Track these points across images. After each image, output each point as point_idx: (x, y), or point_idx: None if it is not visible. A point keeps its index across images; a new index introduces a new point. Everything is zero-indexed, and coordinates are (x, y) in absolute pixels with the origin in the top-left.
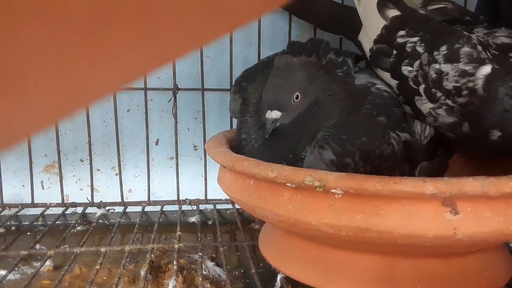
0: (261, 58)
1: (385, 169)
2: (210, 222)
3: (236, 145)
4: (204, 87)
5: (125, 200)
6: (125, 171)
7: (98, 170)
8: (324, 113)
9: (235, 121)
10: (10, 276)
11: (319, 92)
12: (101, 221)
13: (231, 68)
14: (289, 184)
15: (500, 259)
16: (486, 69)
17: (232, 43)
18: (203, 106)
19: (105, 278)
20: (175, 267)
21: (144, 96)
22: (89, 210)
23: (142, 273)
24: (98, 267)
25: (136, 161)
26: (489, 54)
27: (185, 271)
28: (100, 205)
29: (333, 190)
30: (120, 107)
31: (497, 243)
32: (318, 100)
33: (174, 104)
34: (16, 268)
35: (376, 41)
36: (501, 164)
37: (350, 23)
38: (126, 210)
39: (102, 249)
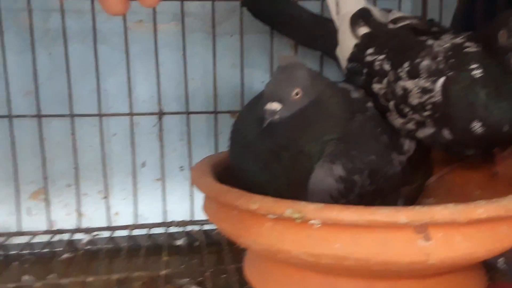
0: (244, 79)
1: (386, 189)
2: (197, 244)
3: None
4: (190, 110)
5: (112, 223)
6: (112, 194)
7: (85, 194)
8: (326, 112)
9: (221, 141)
10: None
11: (320, 92)
12: (88, 247)
13: (215, 89)
14: (270, 216)
15: (474, 278)
16: (442, 80)
17: (216, 65)
18: (189, 128)
19: None
20: None
21: (129, 122)
22: (77, 236)
23: None
24: None
25: (123, 184)
26: (447, 61)
27: None
28: (87, 230)
29: (311, 221)
30: (107, 132)
31: (469, 265)
32: (319, 100)
33: (159, 128)
34: None
35: (349, 60)
36: (479, 183)
37: (329, 39)
38: (113, 235)
39: (89, 279)
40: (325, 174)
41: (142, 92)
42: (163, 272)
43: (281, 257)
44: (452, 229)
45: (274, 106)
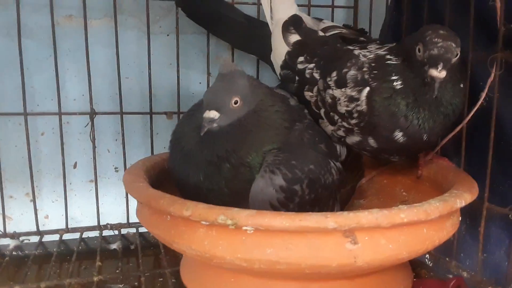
0: (180, 79)
1: (324, 197)
2: (132, 247)
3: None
4: (124, 110)
5: (41, 227)
6: (40, 197)
7: (11, 197)
8: (266, 121)
9: (156, 142)
10: None
11: (259, 101)
12: (15, 253)
13: (150, 90)
14: (203, 222)
15: (401, 275)
16: (366, 90)
17: (151, 64)
18: (123, 129)
19: None
20: None
21: (58, 121)
22: (2, 241)
23: None
24: None
25: (52, 185)
26: (371, 72)
27: None
28: (13, 235)
29: (244, 227)
30: (34, 130)
31: (394, 266)
32: (258, 109)
33: (91, 129)
34: None
35: (282, 67)
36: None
37: (264, 43)
38: (43, 240)
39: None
40: (265, 184)
41: (72, 90)
42: (96, 278)
43: (215, 263)
44: (377, 233)
45: (212, 114)
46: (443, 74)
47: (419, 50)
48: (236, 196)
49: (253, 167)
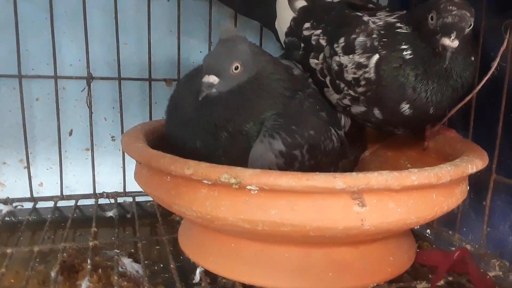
0: (180, 47)
1: (325, 164)
2: (129, 216)
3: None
4: (122, 76)
5: (36, 195)
6: (35, 164)
7: (4, 163)
8: (267, 90)
9: (155, 111)
10: None
11: (261, 68)
12: (8, 219)
13: (149, 56)
14: (205, 181)
15: (405, 245)
16: (376, 57)
17: (151, 31)
18: (120, 95)
19: (12, 281)
20: (89, 266)
21: (54, 86)
22: None
23: (53, 274)
24: (3, 270)
25: (47, 153)
26: (381, 39)
27: (100, 269)
28: (6, 201)
29: (248, 187)
30: (28, 95)
31: (400, 231)
32: (259, 76)
33: (88, 94)
34: None
35: (287, 34)
36: (410, 157)
37: (268, 10)
38: (37, 206)
39: (9, 250)
40: (265, 149)
41: (68, 55)
42: (92, 243)
43: (216, 225)
44: (386, 196)
45: (212, 79)
46: (455, 43)
47: (431, 18)
48: (234, 164)
49: (250, 136)
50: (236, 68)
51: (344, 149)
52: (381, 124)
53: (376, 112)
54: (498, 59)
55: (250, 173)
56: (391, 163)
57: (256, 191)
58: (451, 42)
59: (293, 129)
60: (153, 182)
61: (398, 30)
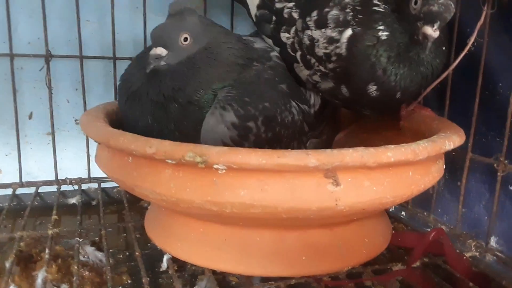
0: (147, 24)
1: (285, 137)
2: (94, 203)
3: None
4: (84, 55)
5: None
6: None
7: None
8: (217, 59)
9: None
10: None
11: (211, 39)
12: None
13: (113, 34)
14: (169, 161)
15: (380, 226)
16: (348, 32)
17: (114, 7)
18: (82, 75)
19: None
20: (47, 256)
21: (10, 64)
22: None
23: (7, 264)
24: None
25: (5, 137)
26: (356, 15)
27: (60, 259)
28: None
29: (215, 166)
30: None
31: (376, 211)
32: (209, 46)
33: (47, 73)
34: None
35: (258, 7)
36: (385, 137)
37: None
38: None
39: None
40: (216, 121)
41: (26, 32)
42: (51, 231)
43: (182, 208)
44: (361, 174)
45: (159, 50)
46: (437, 33)
47: (415, 3)
48: (188, 139)
49: (202, 106)
50: (185, 40)
51: (311, 124)
52: (348, 102)
53: (344, 89)
54: (475, 34)
55: (217, 151)
56: (366, 143)
57: (224, 171)
58: (433, 32)
59: (246, 100)
60: (114, 164)
61: (376, 8)
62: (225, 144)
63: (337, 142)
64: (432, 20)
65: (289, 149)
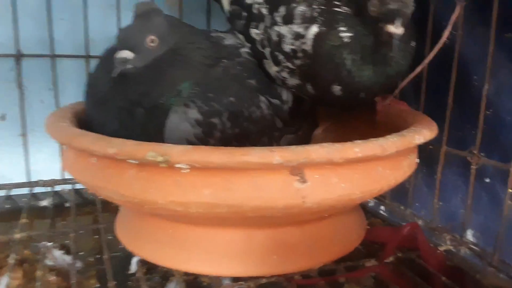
0: (121, 22)
1: (254, 133)
2: (67, 205)
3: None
4: (58, 53)
5: None
6: None
7: None
8: (184, 60)
9: None
10: None
11: (178, 39)
12: None
13: (85, 31)
14: (131, 161)
15: (353, 222)
16: (314, 29)
17: (88, 5)
18: (54, 75)
19: None
20: (12, 261)
21: None
22: None
23: None
24: None
25: None
26: (321, 13)
27: (26, 263)
28: None
29: (178, 165)
30: None
31: (346, 208)
32: (176, 47)
33: (18, 73)
34: None
35: (231, 2)
36: (362, 132)
37: None
38: None
39: None
40: (179, 119)
41: None
42: (19, 235)
43: (147, 209)
44: (328, 170)
45: (125, 54)
46: (401, 30)
47: (373, 5)
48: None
49: (168, 109)
50: (152, 41)
51: (285, 120)
52: (315, 100)
53: (309, 87)
54: (450, 27)
55: (179, 150)
56: (343, 139)
57: (187, 170)
58: (396, 30)
59: (209, 96)
60: (79, 165)
61: (337, 9)
62: (189, 143)
63: (314, 138)
64: (393, 18)
65: (254, 147)
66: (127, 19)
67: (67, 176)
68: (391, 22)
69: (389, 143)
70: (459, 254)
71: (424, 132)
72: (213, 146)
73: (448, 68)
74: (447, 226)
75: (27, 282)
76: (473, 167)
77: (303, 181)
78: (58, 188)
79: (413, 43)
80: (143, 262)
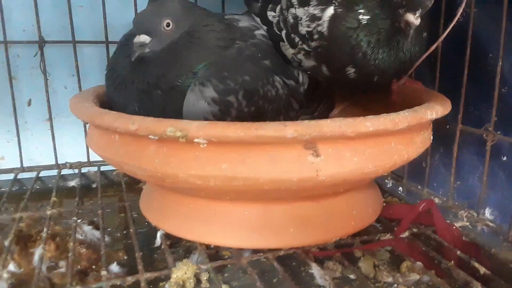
0: (137, 8)
1: (270, 112)
2: (94, 186)
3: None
4: (77, 40)
5: None
6: None
7: None
8: (199, 42)
9: None
10: None
11: (193, 22)
12: None
13: (105, 18)
14: (151, 137)
15: (369, 198)
16: (330, 11)
17: None
18: (76, 60)
19: None
20: (45, 235)
21: (4, 51)
22: None
23: (6, 243)
24: None
25: (7, 124)
26: None
27: (58, 237)
28: None
29: (196, 140)
30: None
31: (359, 182)
32: (191, 30)
33: (42, 59)
34: None
35: None
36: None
37: None
38: None
39: None
40: (196, 98)
41: (20, 20)
42: (50, 212)
43: (169, 183)
44: (341, 145)
45: (143, 38)
46: (418, 21)
47: None
48: None
49: (184, 91)
50: (168, 25)
51: (301, 101)
52: (329, 81)
53: (324, 69)
54: (463, 4)
55: (197, 125)
56: None
57: (205, 145)
58: (415, 20)
59: (224, 75)
60: (102, 143)
61: None
62: (206, 120)
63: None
64: (415, 8)
65: (268, 122)
66: (143, 5)
67: (93, 158)
68: (413, 11)
69: (400, 118)
70: (475, 230)
71: (436, 108)
72: (229, 122)
73: (462, 46)
74: (463, 204)
75: (60, 254)
76: (489, 144)
77: (317, 155)
78: (84, 170)
79: (424, 34)
80: (167, 236)
